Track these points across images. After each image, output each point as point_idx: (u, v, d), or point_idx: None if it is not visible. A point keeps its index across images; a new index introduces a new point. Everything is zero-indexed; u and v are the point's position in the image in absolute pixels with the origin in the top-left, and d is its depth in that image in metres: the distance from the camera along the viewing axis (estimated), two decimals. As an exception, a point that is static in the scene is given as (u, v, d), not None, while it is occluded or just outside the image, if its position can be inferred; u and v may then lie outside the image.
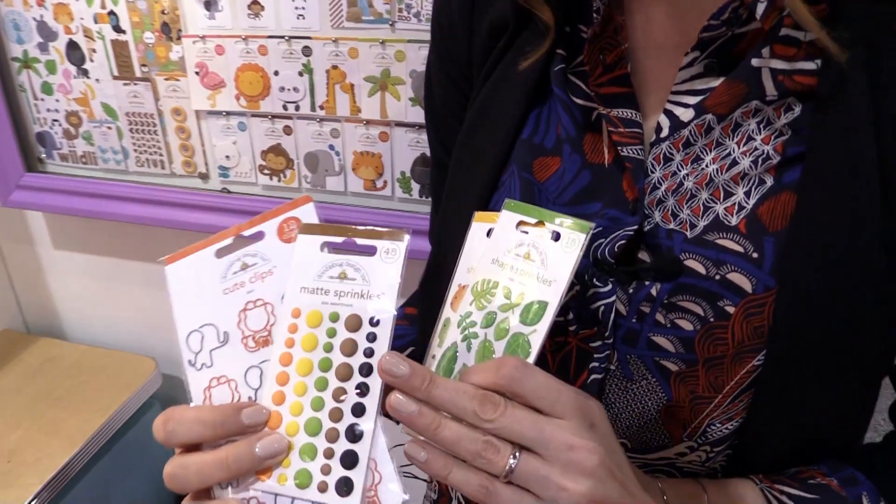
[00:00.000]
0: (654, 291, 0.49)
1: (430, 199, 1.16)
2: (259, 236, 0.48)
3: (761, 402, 0.49)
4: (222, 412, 0.44)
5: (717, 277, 0.48)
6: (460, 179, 0.62)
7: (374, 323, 0.46)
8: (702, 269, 0.48)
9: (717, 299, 0.48)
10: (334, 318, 0.46)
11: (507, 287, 0.47)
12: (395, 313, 0.45)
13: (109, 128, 1.29)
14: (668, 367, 0.50)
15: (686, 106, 0.50)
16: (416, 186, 1.17)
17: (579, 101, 0.56)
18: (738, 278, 0.47)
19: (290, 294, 0.47)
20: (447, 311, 0.50)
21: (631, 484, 0.43)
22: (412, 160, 1.14)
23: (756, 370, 0.48)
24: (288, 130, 1.18)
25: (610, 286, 0.50)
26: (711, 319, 0.48)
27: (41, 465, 1.22)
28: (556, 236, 0.46)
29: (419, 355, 0.51)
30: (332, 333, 0.46)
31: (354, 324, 0.46)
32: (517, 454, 0.41)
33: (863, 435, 0.55)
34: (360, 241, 0.47)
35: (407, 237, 0.46)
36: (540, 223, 0.47)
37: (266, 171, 1.23)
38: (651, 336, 0.50)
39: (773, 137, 0.48)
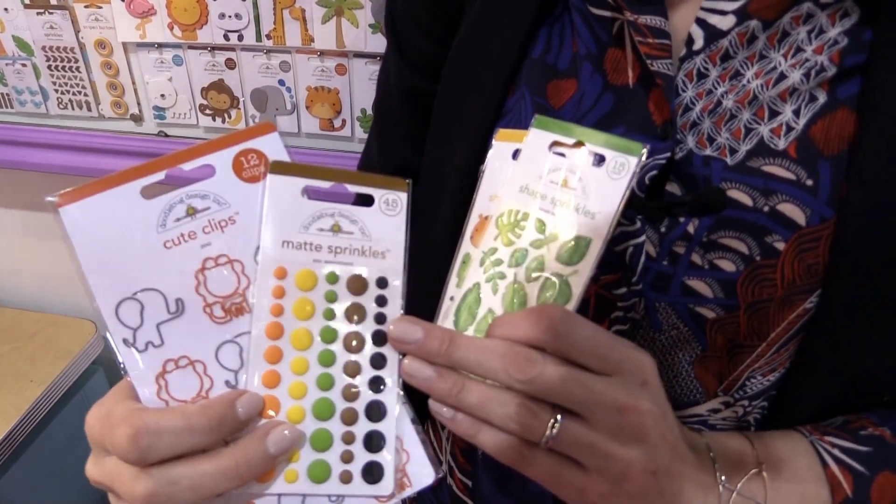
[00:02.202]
0: (690, 229, 0.45)
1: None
2: (206, 172, 0.40)
3: (810, 349, 0.46)
4: (216, 410, 0.37)
5: (766, 209, 0.43)
6: (453, 106, 0.56)
7: (382, 284, 0.41)
8: (748, 201, 0.44)
9: (764, 234, 0.44)
10: (332, 279, 0.41)
11: (540, 219, 0.42)
12: (405, 269, 0.41)
13: (24, 65, 1.16)
14: (703, 315, 0.46)
15: (723, 13, 0.45)
16: (378, 125, 1.06)
17: (597, 12, 0.49)
18: (789, 209, 0.43)
19: (270, 249, 0.40)
20: (467, 246, 0.45)
21: (681, 447, 0.41)
22: (374, 96, 1.03)
23: (807, 314, 0.44)
24: (231, 64, 1.08)
25: (639, 224, 0.46)
26: (758, 258, 0.44)
27: (-28, 444, 1.13)
28: (600, 160, 0.40)
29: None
30: (331, 298, 0.41)
31: (359, 286, 0.41)
32: (558, 417, 0.37)
33: None
34: (351, 187, 0.41)
35: (409, 185, 0.41)
36: (578, 144, 0.41)
37: (208, 112, 1.13)
38: (685, 280, 0.46)
39: (826, 47, 0.43)
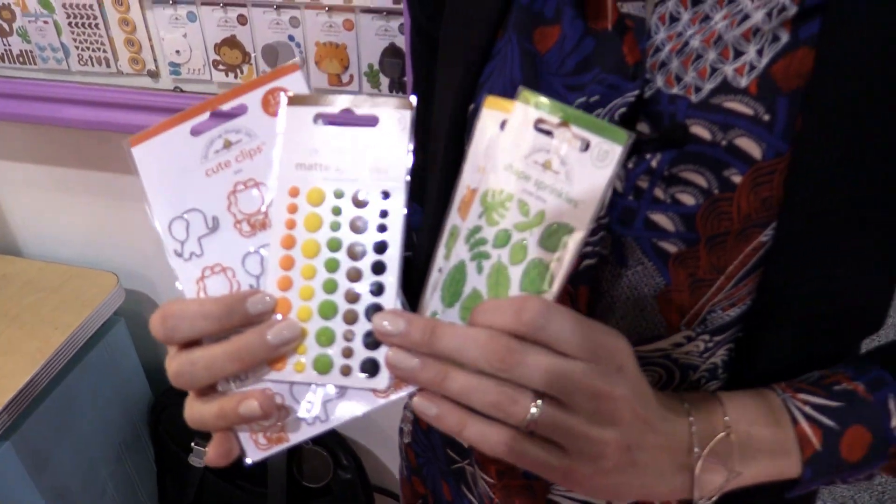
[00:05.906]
0: (654, 163, 0.46)
1: (400, 94, 1.08)
2: (241, 110, 0.46)
3: (769, 284, 0.47)
4: (227, 303, 0.43)
5: (724, 143, 0.44)
6: (448, 52, 0.58)
7: (384, 197, 0.44)
8: (707, 135, 0.45)
9: (722, 168, 0.45)
10: (338, 194, 0.45)
11: (523, 201, 0.41)
12: (406, 184, 0.44)
13: (46, 22, 1.19)
14: (666, 249, 0.47)
15: None
16: (385, 80, 1.09)
17: None
18: (746, 143, 0.44)
19: (285, 171, 0.45)
20: (454, 217, 0.45)
21: (655, 419, 0.43)
22: (380, 51, 1.06)
23: (763, 247, 0.46)
24: (242, 20, 1.10)
25: None
26: (716, 192, 0.45)
27: (-1, 386, 1.17)
28: (586, 144, 0.40)
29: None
30: (337, 211, 0.45)
31: (361, 200, 0.45)
32: (539, 402, 0.39)
33: (882, 322, 0.52)
34: (359, 110, 0.44)
35: (414, 102, 0.43)
36: (563, 124, 0.41)
37: (221, 67, 1.15)
38: (649, 214, 0.47)
39: None
